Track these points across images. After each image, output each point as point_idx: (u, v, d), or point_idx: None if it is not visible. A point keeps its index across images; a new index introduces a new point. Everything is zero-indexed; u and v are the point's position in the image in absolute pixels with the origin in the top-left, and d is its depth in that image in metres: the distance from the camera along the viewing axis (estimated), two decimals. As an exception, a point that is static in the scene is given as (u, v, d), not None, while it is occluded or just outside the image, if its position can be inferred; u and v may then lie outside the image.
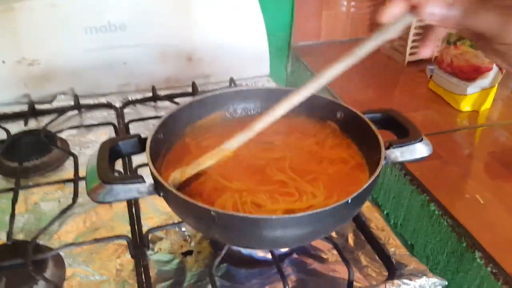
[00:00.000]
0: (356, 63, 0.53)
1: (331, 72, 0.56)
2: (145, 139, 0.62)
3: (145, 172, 0.77)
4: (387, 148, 0.61)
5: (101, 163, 0.57)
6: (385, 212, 0.85)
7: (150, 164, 0.57)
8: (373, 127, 0.64)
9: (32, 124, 0.96)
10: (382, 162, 0.57)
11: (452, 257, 0.70)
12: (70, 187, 0.78)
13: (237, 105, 0.76)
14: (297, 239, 0.55)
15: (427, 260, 0.75)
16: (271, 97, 0.75)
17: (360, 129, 0.66)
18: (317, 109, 0.72)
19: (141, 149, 0.63)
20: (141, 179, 0.55)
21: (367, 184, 0.54)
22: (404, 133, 0.65)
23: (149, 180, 0.56)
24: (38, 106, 0.99)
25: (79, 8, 0.96)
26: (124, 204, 0.75)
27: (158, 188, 0.56)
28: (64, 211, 0.69)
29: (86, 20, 0.97)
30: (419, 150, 0.62)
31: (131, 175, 0.56)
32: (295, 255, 0.67)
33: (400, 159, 0.61)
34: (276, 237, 0.53)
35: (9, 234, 0.65)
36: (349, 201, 0.52)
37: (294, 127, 0.73)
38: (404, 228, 0.81)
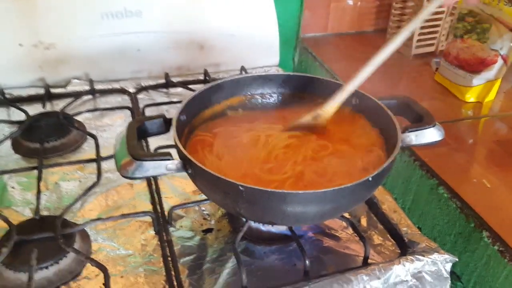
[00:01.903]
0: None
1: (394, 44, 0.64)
2: (170, 119, 0.65)
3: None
4: (403, 132, 0.64)
5: (131, 140, 0.60)
6: (393, 197, 0.88)
7: (178, 141, 0.59)
8: (389, 112, 0.67)
9: (48, 107, 0.98)
10: (399, 143, 0.61)
11: (459, 238, 0.73)
12: (89, 167, 0.81)
13: (254, 90, 0.78)
14: (319, 215, 0.58)
15: (435, 241, 0.78)
16: (286, 83, 0.79)
17: (376, 114, 0.69)
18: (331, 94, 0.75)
19: (166, 129, 0.66)
20: (169, 156, 0.58)
21: (387, 163, 0.57)
22: (417, 119, 0.68)
23: (177, 157, 0.59)
24: (53, 90, 1.01)
25: (97, -6, 0.98)
26: (145, 184, 0.77)
27: (186, 165, 0.58)
28: (89, 189, 0.71)
29: (102, 6, 0.99)
30: (432, 134, 0.65)
31: (160, 153, 0.58)
32: (311, 234, 0.70)
33: (415, 142, 0.65)
34: (300, 212, 0.55)
35: (37, 210, 0.67)
36: (370, 179, 0.55)
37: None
38: (412, 212, 0.84)
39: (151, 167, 0.57)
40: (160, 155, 0.58)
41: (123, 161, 0.58)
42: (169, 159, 0.58)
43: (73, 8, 0.97)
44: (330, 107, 0.69)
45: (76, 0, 0.97)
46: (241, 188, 0.53)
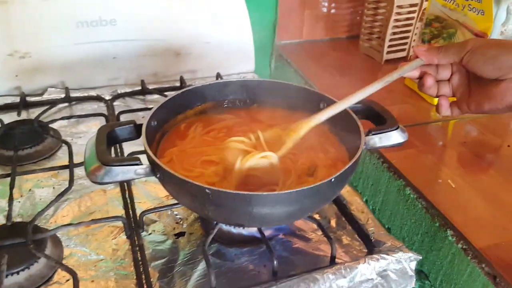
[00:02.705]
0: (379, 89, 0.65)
1: (360, 94, 0.65)
2: (140, 125, 0.66)
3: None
4: (367, 134, 0.66)
5: (100, 146, 0.61)
6: (364, 199, 0.90)
7: (146, 146, 0.60)
8: (354, 115, 0.69)
9: (24, 115, 0.98)
10: (362, 146, 0.63)
11: (426, 237, 0.75)
12: (63, 174, 0.81)
13: (225, 96, 0.80)
14: (285, 216, 0.60)
15: (403, 241, 0.80)
16: (257, 89, 0.80)
17: (342, 118, 0.71)
18: (301, 99, 0.77)
19: (137, 135, 0.67)
20: (138, 161, 0.59)
21: (349, 164, 0.58)
22: (382, 122, 0.70)
23: (146, 162, 0.60)
24: (29, 98, 1.01)
25: (71, 3, 0.99)
26: (118, 189, 0.78)
27: (155, 169, 0.59)
28: (61, 194, 0.72)
29: (77, 15, 1.00)
30: (396, 136, 0.67)
31: (129, 158, 0.60)
32: (281, 235, 0.72)
33: (378, 144, 0.67)
34: (266, 213, 0.57)
35: (9, 216, 0.67)
36: (332, 179, 0.56)
37: (276, 118, 0.78)
38: (381, 213, 0.86)
39: (120, 172, 0.58)
40: (128, 159, 0.59)
41: (92, 167, 0.59)
42: (138, 164, 0.59)
43: (48, 17, 0.98)
44: (301, 129, 0.65)
45: (51, 9, 0.98)
46: (207, 191, 0.54)
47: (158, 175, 0.60)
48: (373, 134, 0.66)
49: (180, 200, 0.63)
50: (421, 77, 0.66)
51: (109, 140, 0.64)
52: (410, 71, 0.65)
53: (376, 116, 0.72)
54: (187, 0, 1.07)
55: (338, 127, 0.73)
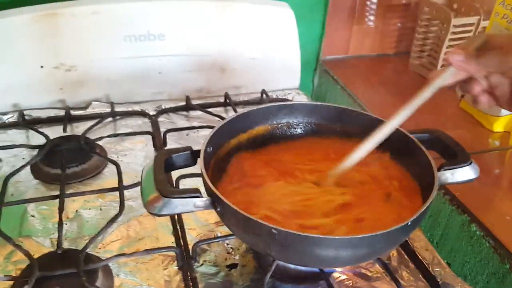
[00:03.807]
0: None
1: (401, 115, 0.62)
2: (197, 151, 0.63)
3: (186, 183, 0.80)
4: (438, 170, 0.62)
5: (158, 175, 0.58)
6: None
7: (207, 179, 0.57)
8: (424, 148, 0.64)
9: (68, 129, 0.96)
10: (437, 183, 0.58)
11: (493, 278, 0.71)
12: (110, 195, 0.79)
13: (280, 120, 0.77)
14: (354, 259, 0.56)
15: (465, 279, 0.76)
16: (313, 112, 0.77)
17: (407, 149, 0.67)
18: (362, 127, 0.73)
19: (193, 162, 0.64)
20: (198, 193, 0.56)
21: (425, 206, 0.54)
22: (450, 154, 0.66)
23: (205, 194, 0.57)
24: (73, 112, 1.00)
25: (120, 17, 0.97)
26: (167, 215, 0.75)
27: (215, 202, 0.56)
28: (111, 221, 0.70)
29: (126, 29, 0.98)
30: (468, 172, 0.63)
31: (189, 189, 0.57)
32: (340, 272, 0.68)
33: (450, 180, 0.63)
34: (334, 256, 0.53)
35: (59, 243, 0.65)
36: (409, 223, 0.52)
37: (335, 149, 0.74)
38: (440, 247, 0.82)
39: (179, 204, 0.56)
40: (188, 191, 0.56)
41: (150, 197, 0.56)
42: (198, 196, 0.56)
43: (96, 30, 0.96)
44: (353, 159, 0.63)
45: (99, 22, 0.96)
46: (274, 231, 0.51)
47: (218, 209, 0.57)
48: (445, 170, 0.62)
49: (241, 237, 0.60)
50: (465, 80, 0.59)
51: (165, 167, 0.61)
52: (444, 82, 0.59)
53: (444, 147, 0.68)
54: (234, 15, 1.04)
55: (401, 157, 0.69)
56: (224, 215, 0.57)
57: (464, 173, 0.63)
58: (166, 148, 0.91)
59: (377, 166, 0.69)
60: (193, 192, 0.56)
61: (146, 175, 0.60)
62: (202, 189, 0.57)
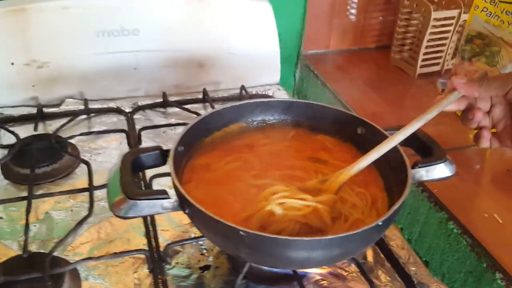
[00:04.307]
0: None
1: (402, 134, 0.61)
2: (167, 151, 0.61)
3: (160, 183, 0.78)
4: (413, 167, 0.60)
5: (125, 176, 0.56)
6: (399, 227, 0.85)
7: (176, 180, 0.55)
8: (398, 146, 0.63)
9: (40, 127, 0.94)
10: (410, 181, 0.57)
11: (470, 277, 0.70)
12: (82, 195, 0.77)
13: (255, 117, 0.75)
14: (325, 260, 0.55)
15: (443, 278, 0.75)
16: (289, 109, 0.75)
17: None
18: (338, 123, 0.72)
19: (162, 162, 0.62)
20: (166, 195, 0.54)
21: (397, 206, 0.53)
22: (426, 151, 0.64)
23: (173, 196, 0.55)
24: (46, 110, 0.97)
25: (92, 12, 0.94)
26: (140, 215, 0.73)
27: (183, 204, 0.55)
28: (80, 223, 0.68)
29: (98, 24, 0.95)
30: (444, 170, 0.62)
31: (156, 190, 0.55)
32: (315, 273, 0.66)
33: (425, 178, 0.61)
34: (305, 258, 0.52)
35: (25, 247, 0.63)
36: (380, 223, 0.51)
37: (308, 144, 0.72)
38: (419, 244, 0.81)
39: (146, 206, 0.54)
40: (156, 193, 0.54)
41: (116, 199, 0.54)
42: (165, 198, 0.54)
43: (67, 25, 0.94)
44: (345, 175, 0.60)
45: (70, 17, 0.93)
46: (242, 233, 0.49)
47: (186, 211, 0.55)
48: (419, 167, 0.61)
49: (210, 238, 0.58)
50: (466, 109, 0.60)
51: (134, 167, 0.59)
52: (448, 105, 0.59)
53: (420, 144, 0.66)
54: (211, 10, 1.02)
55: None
56: (193, 217, 0.56)
57: (439, 171, 0.62)
58: (139, 146, 0.89)
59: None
60: (160, 194, 0.54)
61: (113, 176, 0.58)
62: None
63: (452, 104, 0.59)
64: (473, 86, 0.57)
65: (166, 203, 0.54)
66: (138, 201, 0.53)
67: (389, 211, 0.52)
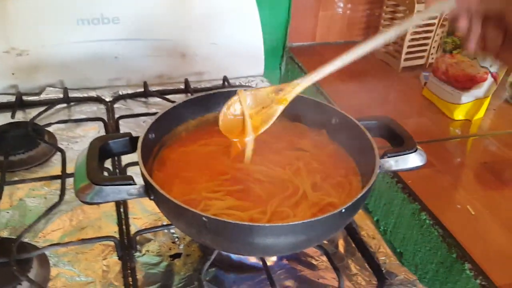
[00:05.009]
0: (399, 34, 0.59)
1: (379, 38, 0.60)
2: (136, 138, 0.61)
3: (135, 171, 0.78)
4: (382, 157, 0.60)
5: (91, 162, 0.56)
6: (375, 219, 0.85)
7: (142, 166, 0.55)
8: (369, 135, 0.63)
9: (19, 116, 0.94)
10: (377, 171, 0.57)
11: (441, 267, 0.70)
12: (56, 183, 0.77)
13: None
14: (289, 247, 0.55)
15: (416, 269, 0.75)
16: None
17: (355, 136, 0.66)
18: (312, 113, 0.72)
19: (132, 148, 0.62)
20: (131, 181, 0.54)
21: (361, 194, 0.53)
22: (398, 141, 0.64)
23: (139, 182, 0.55)
24: (26, 98, 0.97)
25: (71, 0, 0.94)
26: (112, 203, 0.73)
27: (148, 190, 0.54)
28: (50, 209, 0.67)
29: (78, 12, 0.95)
30: (413, 160, 0.62)
31: (121, 176, 0.55)
32: (285, 261, 0.66)
33: (394, 168, 0.61)
34: (268, 244, 0.52)
35: (-7, 232, 0.63)
36: (343, 210, 0.51)
37: (285, 132, 0.72)
38: (393, 235, 0.81)
39: (111, 192, 0.54)
40: (121, 179, 0.54)
41: (81, 185, 0.54)
42: (130, 184, 0.54)
43: (47, 13, 0.93)
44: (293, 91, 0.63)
45: (50, 5, 0.93)
46: (204, 219, 0.49)
47: (152, 197, 0.55)
48: (388, 157, 0.61)
49: (176, 225, 0.58)
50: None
51: (102, 153, 0.59)
52: (438, 13, 0.57)
53: (392, 134, 0.66)
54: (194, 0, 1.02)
55: (350, 143, 0.68)
56: (159, 203, 0.56)
57: (409, 161, 0.61)
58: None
59: (323, 152, 0.68)
60: (126, 180, 0.54)
61: (80, 162, 0.58)
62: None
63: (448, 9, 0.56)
64: None
65: (132, 189, 0.54)
66: (103, 187, 0.53)
67: (352, 199, 0.52)
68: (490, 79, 0.93)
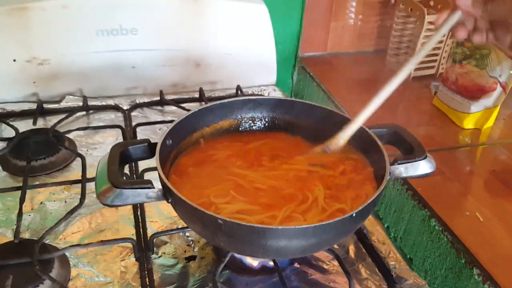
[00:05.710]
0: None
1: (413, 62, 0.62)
2: (155, 144, 0.63)
3: (151, 176, 0.80)
4: (392, 163, 0.62)
5: (112, 166, 0.58)
6: (385, 225, 0.86)
7: (160, 170, 0.58)
8: (379, 142, 0.65)
9: (40, 123, 0.97)
10: (387, 177, 0.59)
11: (450, 273, 0.71)
12: (76, 188, 0.79)
13: (244, 114, 0.77)
14: (301, 250, 0.56)
15: (426, 274, 0.76)
16: (278, 107, 0.77)
17: (366, 143, 0.67)
18: (324, 121, 0.74)
19: (151, 154, 0.64)
20: (150, 184, 0.56)
21: (371, 199, 0.55)
22: (408, 149, 0.66)
23: (158, 185, 0.57)
24: (47, 106, 1.00)
25: (91, 11, 0.97)
26: (130, 207, 0.76)
27: (166, 194, 0.57)
28: (71, 212, 0.70)
29: (97, 23, 0.98)
30: (423, 167, 0.63)
31: (141, 180, 0.57)
32: (296, 265, 0.68)
33: (404, 175, 0.63)
34: (281, 247, 0.54)
35: (17, 233, 0.66)
36: (354, 214, 0.53)
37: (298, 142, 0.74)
38: (404, 241, 0.82)
39: (130, 195, 0.56)
40: (140, 183, 0.56)
41: (103, 188, 0.57)
42: (149, 187, 0.56)
43: (67, 24, 0.97)
44: (341, 140, 0.65)
45: (71, 16, 0.96)
46: (219, 221, 0.51)
47: (170, 200, 0.57)
48: (398, 164, 0.63)
49: (192, 227, 0.60)
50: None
51: (122, 158, 0.62)
52: (448, 29, 0.60)
53: (402, 142, 0.68)
54: (209, 10, 1.05)
55: (365, 150, 0.69)
56: (176, 206, 0.58)
57: (419, 168, 0.63)
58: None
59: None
60: (145, 183, 0.56)
61: (101, 167, 0.60)
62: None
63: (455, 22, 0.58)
64: (476, 7, 0.56)
65: (151, 192, 0.57)
66: (123, 190, 0.56)
67: (362, 204, 0.54)
68: (499, 89, 0.94)
